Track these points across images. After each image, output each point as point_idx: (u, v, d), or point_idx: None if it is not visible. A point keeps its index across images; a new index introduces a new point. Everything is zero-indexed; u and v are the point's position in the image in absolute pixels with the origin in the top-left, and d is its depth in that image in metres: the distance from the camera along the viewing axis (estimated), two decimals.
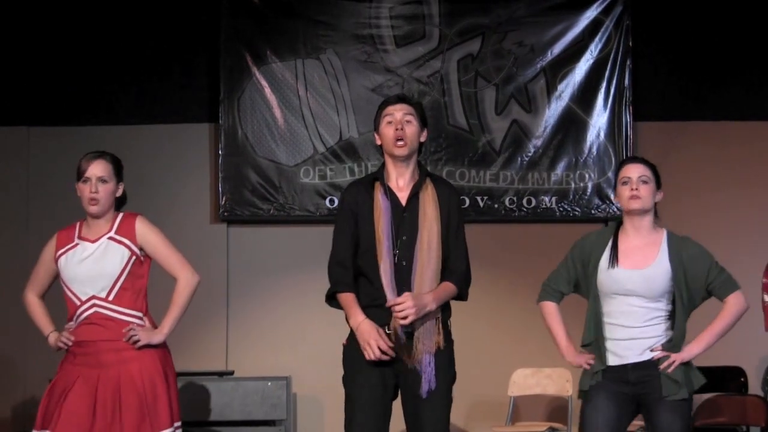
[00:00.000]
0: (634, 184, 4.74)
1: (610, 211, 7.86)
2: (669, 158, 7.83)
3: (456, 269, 4.68)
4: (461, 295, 4.72)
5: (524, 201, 7.94)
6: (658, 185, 4.83)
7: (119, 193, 5.00)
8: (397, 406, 4.63)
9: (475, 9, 7.97)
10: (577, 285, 4.87)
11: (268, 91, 7.93)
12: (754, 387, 7.55)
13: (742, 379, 7.55)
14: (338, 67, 7.93)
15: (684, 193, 7.87)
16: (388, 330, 4.53)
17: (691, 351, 4.66)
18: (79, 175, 4.96)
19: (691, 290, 4.72)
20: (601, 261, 4.75)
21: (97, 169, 4.93)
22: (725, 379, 7.52)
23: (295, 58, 7.94)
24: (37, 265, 5.13)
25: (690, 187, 7.95)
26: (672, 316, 4.69)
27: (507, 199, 7.94)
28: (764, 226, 7.97)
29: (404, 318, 4.46)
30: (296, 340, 7.85)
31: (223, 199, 7.90)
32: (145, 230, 5.00)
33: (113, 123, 7.86)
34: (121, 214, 5.04)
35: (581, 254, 4.86)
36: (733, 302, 4.75)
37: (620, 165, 4.92)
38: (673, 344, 4.67)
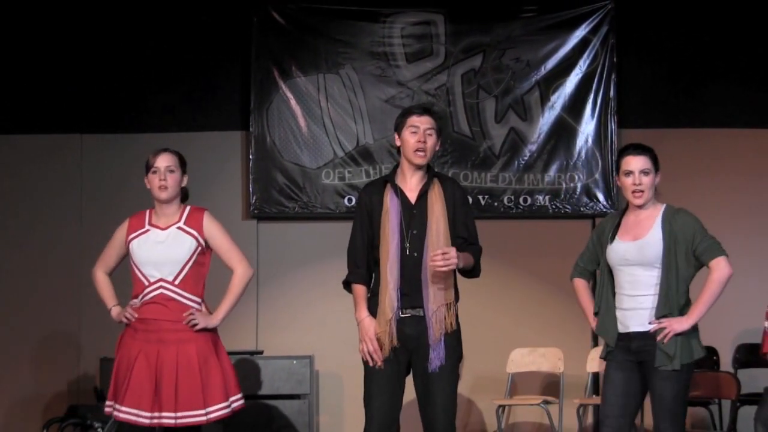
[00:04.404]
0: (637, 178, 4.69)
1: (597, 208, 7.98)
2: None
3: (473, 244, 4.82)
4: (476, 269, 4.83)
5: (521, 200, 8.08)
6: (657, 169, 4.76)
7: (184, 183, 5.13)
8: (409, 381, 4.82)
9: (477, 29, 8.10)
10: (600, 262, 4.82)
11: (293, 102, 8.07)
12: (726, 365, 7.69)
13: (715, 358, 7.68)
14: (355, 81, 8.09)
15: (663, 195, 8.24)
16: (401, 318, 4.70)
17: (682, 324, 4.59)
18: (148, 168, 5.09)
19: (683, 258, 4.65)
20: (608, 237, 4.77)
21: (164, 160, 5.08)
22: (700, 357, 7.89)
23: (317, 73, 8.09)
24: (107, 246, 5.24)
25: (669, 189, 8.11)
26: (669, 286, 4.65)
27: (505, 198, 8.08)
28: (743, 229, 7.98)
29: (443, 264, 4.57)
30: (318, 323, 7.96)
31: (254, 198, 8.04)
32: (211, 225, 5.12)
33: (157, 131, 7.93)
34: (188, 207, 5.15)
35: (599, 233, 4.84)
36: (715, 268, 4.64)
37: (622, 153, 4.79)
38: (670, 315, 4.63)
